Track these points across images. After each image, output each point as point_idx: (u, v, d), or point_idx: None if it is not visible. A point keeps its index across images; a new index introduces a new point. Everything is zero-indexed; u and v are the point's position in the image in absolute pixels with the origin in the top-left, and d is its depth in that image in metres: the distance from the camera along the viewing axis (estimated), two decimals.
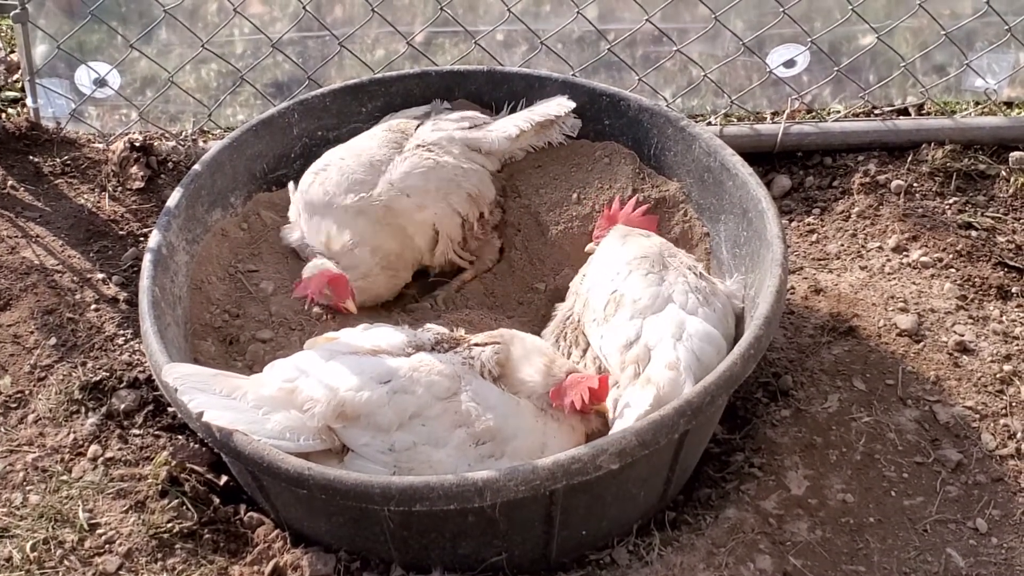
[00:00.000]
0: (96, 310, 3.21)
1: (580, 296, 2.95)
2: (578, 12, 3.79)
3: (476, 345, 2.71)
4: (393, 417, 2.53)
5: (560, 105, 3.30)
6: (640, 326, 2.74)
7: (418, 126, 3.29)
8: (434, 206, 3.18)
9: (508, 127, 3.27)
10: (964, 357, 3.12)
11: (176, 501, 2.74)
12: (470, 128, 3.29)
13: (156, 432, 2.93)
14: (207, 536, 2.71)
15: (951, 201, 3.66)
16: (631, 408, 2.59)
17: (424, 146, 3.21)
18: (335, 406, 2.52)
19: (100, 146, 3.79)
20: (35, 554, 2.61)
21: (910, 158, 3.78)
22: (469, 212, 3.25)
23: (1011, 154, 3.79)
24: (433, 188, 3.17)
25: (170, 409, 2.93)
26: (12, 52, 4.18)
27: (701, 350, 2.68)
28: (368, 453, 2.53)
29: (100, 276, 3.33)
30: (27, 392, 3.00)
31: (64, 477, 2.79)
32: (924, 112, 4.06)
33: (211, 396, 2.53)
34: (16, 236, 3.41)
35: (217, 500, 2.79)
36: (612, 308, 2.80)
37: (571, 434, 2.66)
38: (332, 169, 3.15)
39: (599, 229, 3.15)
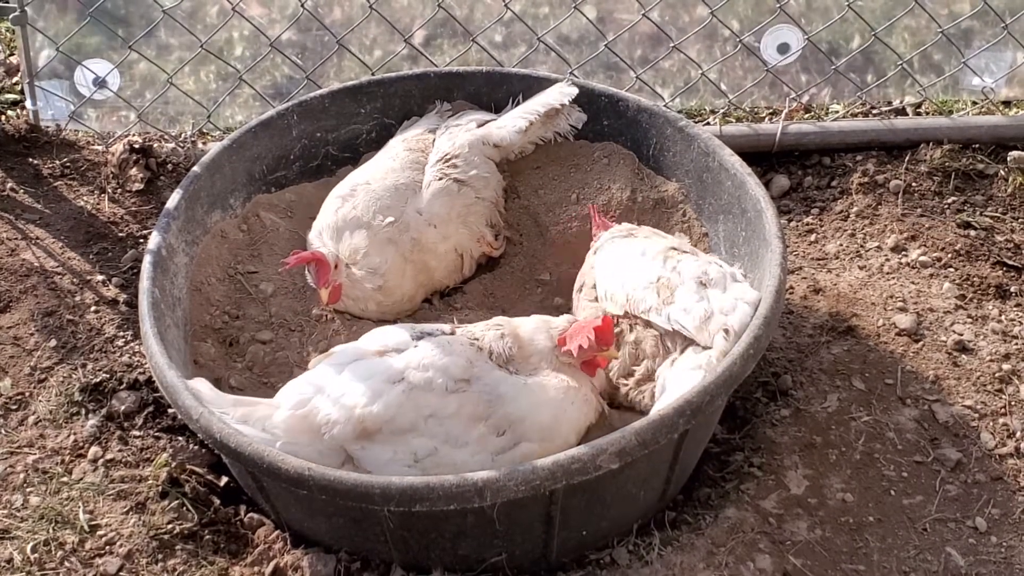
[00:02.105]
0: (96, 312, 3.22)
1: (613, 300, 2.84)
2: (574, 6, 3.79)
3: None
4: (413, 415, 2.52)
5: (562, 93, 3.30)
6: (708, 298, 2.72)
7: (435, 139, 3.29)
8: (456, 234, 3.19)
9: (517, 121, 3.26)
10: (963, 356, 3.12)
11: (176, 502, 2.74)
12: (479, 127, 3.30)
13: (156, 433, 2.94)
14: (207, 537, 2.71)
15: (949, 200, 3.67)
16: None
17: (447, 160, 3.20)
18: (355, 423, 2.50)
19: (99, 148, 3.79)
20: (36, 556, 2.61)
21: (908, 158, 3.78)
22: (485, 230, 3.26)
23: (1009, 153, 3.79)
24: (456, 215, 3.17)
25: (170, 410, 2.94)
26: (11, 54, 4.18)
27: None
28: (395, 470, 2.50)
29: (100, 278, 3.33)
30: (27, 394, 3.00)
31: (64, 479, 2.80)
32: (922, 111, 4.06)
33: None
34: (16, 238, 3.41)
35: (217, 501, 2.80)
36: (667, 292, 2.76)
37: (587, 403, 2.68)
38: (360, 193, 3.14)
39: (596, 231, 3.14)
